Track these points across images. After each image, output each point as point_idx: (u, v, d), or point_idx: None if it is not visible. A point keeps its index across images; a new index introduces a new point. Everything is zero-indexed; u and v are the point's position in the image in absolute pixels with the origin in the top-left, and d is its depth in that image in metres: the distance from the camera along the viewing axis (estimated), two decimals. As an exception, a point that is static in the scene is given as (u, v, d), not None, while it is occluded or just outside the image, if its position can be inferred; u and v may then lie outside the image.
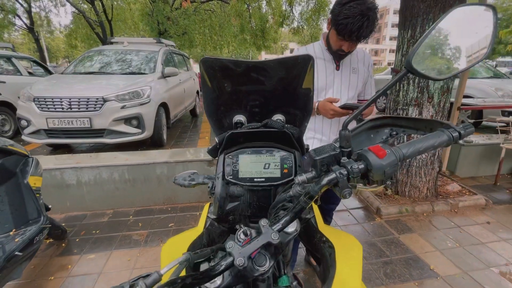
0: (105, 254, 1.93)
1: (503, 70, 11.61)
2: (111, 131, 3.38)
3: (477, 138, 3.18)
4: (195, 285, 0.42)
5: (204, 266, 0.55)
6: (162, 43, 5.23)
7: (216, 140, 0.72)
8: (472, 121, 5.30)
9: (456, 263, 1.83)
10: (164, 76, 4.33)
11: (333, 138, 1.44)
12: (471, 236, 2.13)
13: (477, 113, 5.13)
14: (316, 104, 1.27)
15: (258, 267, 0.48)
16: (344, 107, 1.20)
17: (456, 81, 3.01)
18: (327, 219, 1.71)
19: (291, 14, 12.06)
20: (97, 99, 3.25)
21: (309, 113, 0.74)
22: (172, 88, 4.60)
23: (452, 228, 2.24)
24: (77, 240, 2.09)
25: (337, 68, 1.32)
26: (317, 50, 1.34)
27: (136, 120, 3.50)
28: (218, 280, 0.47)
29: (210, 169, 2.55)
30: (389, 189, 2.59)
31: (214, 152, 0.76)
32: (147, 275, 0.38)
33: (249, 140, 0.72)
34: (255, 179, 0.70)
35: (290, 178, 0.70)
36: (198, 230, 0.73)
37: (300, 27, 12.39)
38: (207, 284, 0.46)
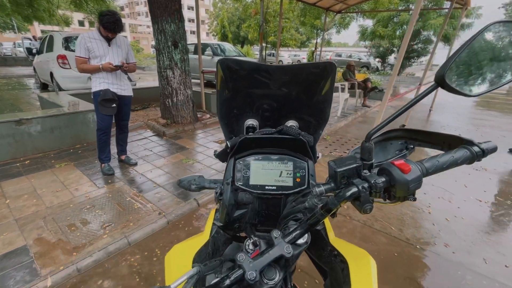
0: None
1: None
2: None
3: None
4: None
5: (210, 277, 0.53)
6: None
7: (228, 144, 0.70)
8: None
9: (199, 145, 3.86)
10: None
11: (115, 82, 2.72)
12: (213, 135, 4.32)
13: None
14: (101, 66, 2.52)
15: (268, 281, 0.45)
16: (115, 66, 2.54)
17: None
18: (125, 130, 3.04)
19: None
20: None
21: (325, 121, 0.73)
22: None
23: (206, 132, 4.37)
24: None
25: (109, 45, 2.61)
26: (95, 35, 2.53)
27: None
28: None
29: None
30: (168, 120, 4.29)
31: (223, 156, 0.75)
32: None
33: (260, 146, 0.70)
34: (267, 187, 0.68)
35: (303, 187, 0.68)
36: (203, 237, 0.70)
37: None
38: None
